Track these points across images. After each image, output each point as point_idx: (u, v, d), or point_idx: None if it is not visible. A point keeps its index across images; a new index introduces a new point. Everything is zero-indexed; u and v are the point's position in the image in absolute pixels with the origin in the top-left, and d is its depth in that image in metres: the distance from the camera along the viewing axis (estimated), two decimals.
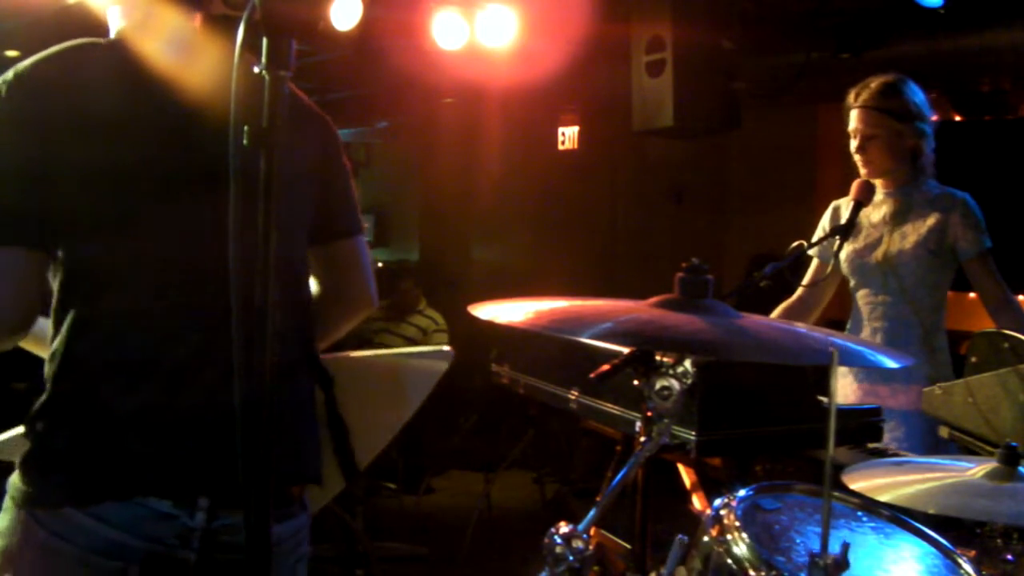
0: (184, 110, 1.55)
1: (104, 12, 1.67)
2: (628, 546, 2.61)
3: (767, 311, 3.22)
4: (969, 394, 2.25)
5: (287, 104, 1.06)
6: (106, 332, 1.55)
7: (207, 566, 1.56)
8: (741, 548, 1.44)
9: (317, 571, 2.45)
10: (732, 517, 1.49)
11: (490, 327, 1.57)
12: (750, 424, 2.28)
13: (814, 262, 3.24)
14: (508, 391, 2.93)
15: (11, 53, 6.14)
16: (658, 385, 1.49)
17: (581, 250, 8.40)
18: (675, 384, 1.49)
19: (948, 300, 3.10)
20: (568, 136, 8.19)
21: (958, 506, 1.52)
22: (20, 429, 1.61)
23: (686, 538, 1.51)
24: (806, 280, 3.20)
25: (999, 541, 1.67)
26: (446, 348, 2.02)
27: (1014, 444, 1.56)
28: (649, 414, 1.51)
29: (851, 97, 3.07)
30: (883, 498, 1.55)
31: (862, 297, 3.12)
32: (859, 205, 2.82)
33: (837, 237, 2.81)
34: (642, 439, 1.52)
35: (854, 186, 2.87)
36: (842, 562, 1.23)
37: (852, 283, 3.15)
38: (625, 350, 1.55)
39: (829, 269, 3.00)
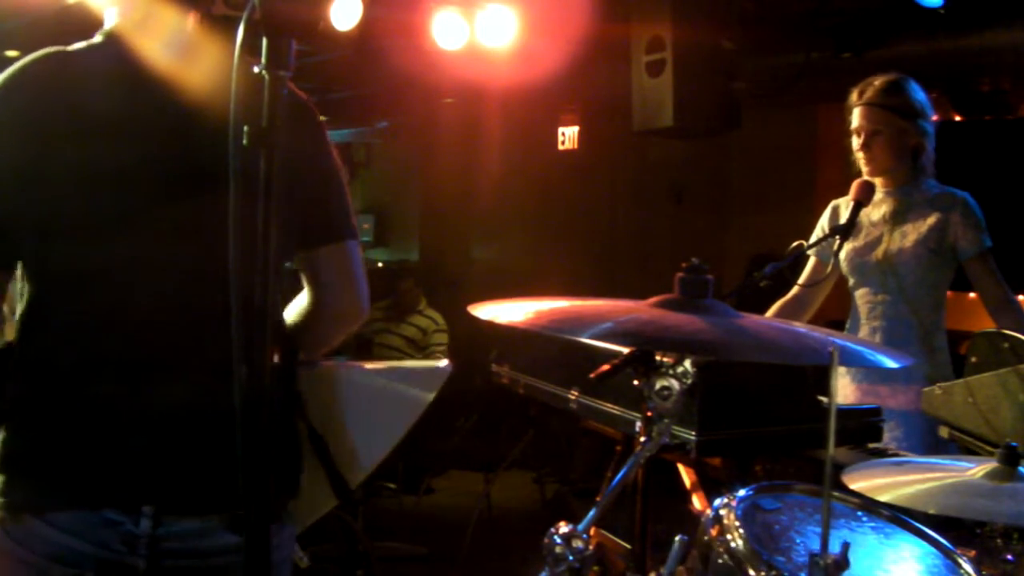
0: (183, 110, 1.54)
1: (103, 12, 1.67)
2: (628, 546, 2.61)
3: (766, 311, 3.22)
4: (969, 394, 2.24)
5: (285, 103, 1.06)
6: (58, 334, 1.54)
7: (157, 573, 1.55)
8: (741, 548, 1.44)
9: (317, 571, 2.45)
10: (732, 517, 1.49)
11: (490, 327, 1.57)
12: (750, 424, 2.28)
13: (812, 261, 3.24)
14: (508, 391, 2.93)
15: (11, 53, 6.14)
16: (658, 385, 1.49)
17: (581, 250, 8.40)
18: (675, 384, 1.49)
19: (948, 300, 3.10)
20: (568, 136, 8.19)
21: (958, 506, 1.52)
22: None
23: (686, 538, 1.51)
24: (803, 279, 3.19)
25: (999, 541, 1.67)
26: (444, 363, 1.93)
27: (1014, 444, 1.56)
28: (649, 414, 1.51)
29: (854, 95, 3.07)
30: (883, 498, 1.55)
31: (861, 296, 3.12)
32: (859, 205, 2.82)
33: (837, 237, 2.81)
34: (642, 439, 1.52)
35: (854, 186, 2.87)
36: (842, 562, 1.23)
37: (851, 282, 3.15)
38: (625, 350, 1.55)
39: (828, 269, 3.00)
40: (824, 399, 2.34)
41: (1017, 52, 4.94)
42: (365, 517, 4.87)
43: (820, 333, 1.58)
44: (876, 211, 3.09)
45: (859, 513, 1.62)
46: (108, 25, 1.64)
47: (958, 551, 1.55)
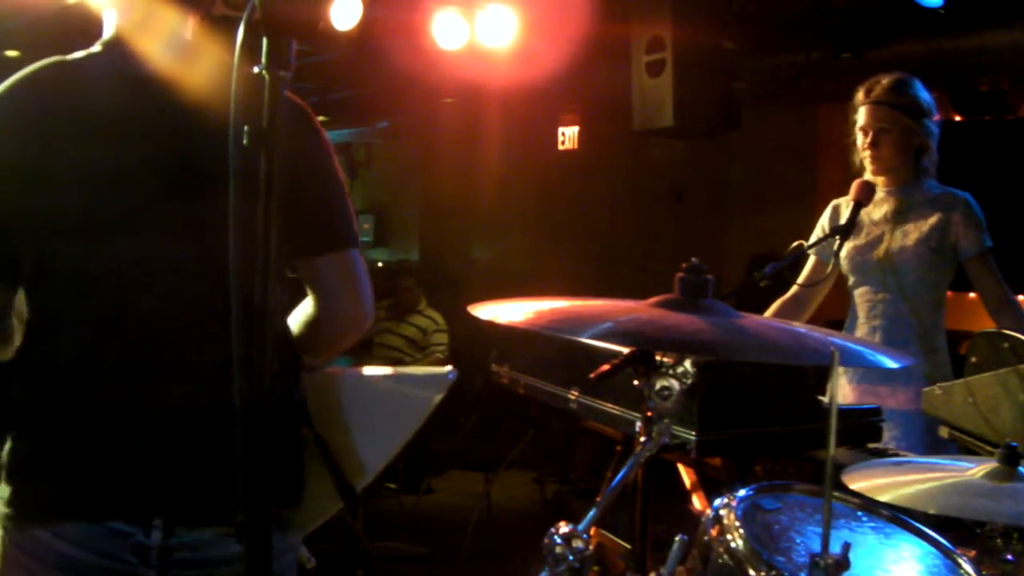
0: (184, 110, 1.54)
1: (103, 12, 1.67)
2: (628, 546, 2.61)
3: (765, 311, 3.22)
4: (969, 394, 2.24)
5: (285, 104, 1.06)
6: (65, 339, 1.54)
7: None
8: (741, 548, 1.44)
9: (317, 571, 2.44)
10: (732, 517, 1.49)
11: (490, 327, 1.57)
12: (750, 424, 2.28)
13: (811, 261, 3.24)
14: (508, 391, 2.93)
15: (11, 53, 6.14)
16: (658, 385, 1.49)
17: (581, 250, 8.40)
18: (675, 384, 1.49)
19: (948, 300, 3.11)
20: (568, 136, 8.19)
21: (958, 506, 1.52)
22: None
23: (686, 538, 1.51)
24: (803, 279, 3.19)
25: (999, 541, 1.67)
26: (448, 369, 1.91)
27: (1014, 444, 1.56)
28: (649, 414, 1.51)
29: (861, 94, 3.07)
30: (883, 498, 1.55)
31: (861, 295, 3.12)
32: (859, 205, 2.82)
33: (837, 237, 2.81)
34: (642, 439, 1.52)
35: (854, 186, 2.87)
36: (843, 562, 1.23)
37: (851, 281, 3.15)
38: (625, 350, 1.55)
39: (829, 268, 3.00)
40: (824, 399, 2.35)
41: (1017, 52, 4.94)
42: (365, 517, 4.87)
43: (820, 333, 1.58)
44: (877, 210, 3.09)
45: (859, 513, 1.62)
46: (109, 30, 1.64)
47: (958, 551, 1.55)
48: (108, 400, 1.53)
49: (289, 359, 1.71)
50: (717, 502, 1.56)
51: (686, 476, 2.67)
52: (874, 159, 3.04)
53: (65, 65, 1.57)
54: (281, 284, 1.72)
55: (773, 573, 1.39)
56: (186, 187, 1.56)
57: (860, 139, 3.06)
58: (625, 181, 8.40)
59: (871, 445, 2.49)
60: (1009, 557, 1.66)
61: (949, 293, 3.10)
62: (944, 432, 2.37)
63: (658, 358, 1.51)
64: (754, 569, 1.40)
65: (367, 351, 6.33)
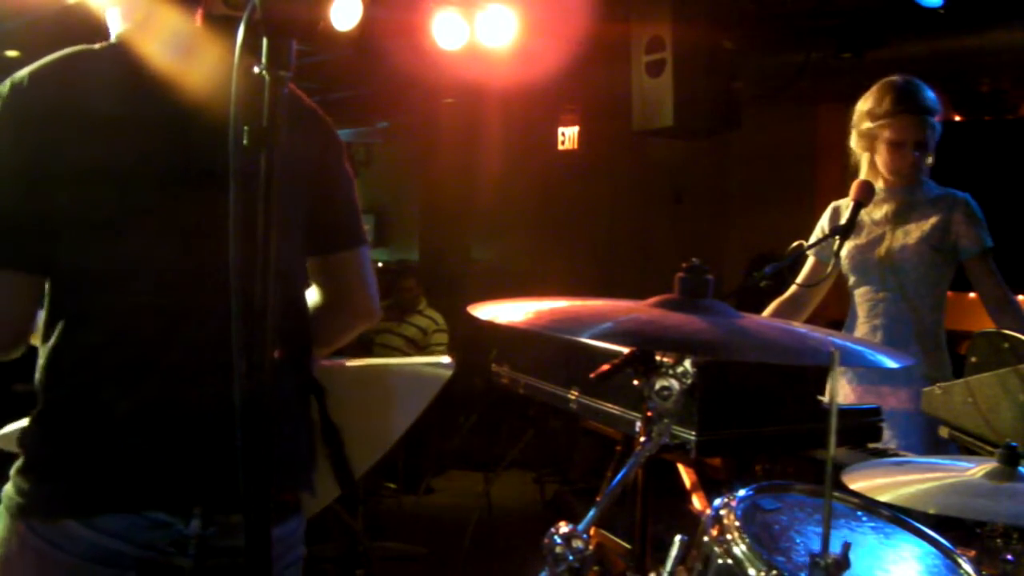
0: (184, 110, 1.54)
1: (104, 12, 1.67)
2: (628, 546, 2.61)
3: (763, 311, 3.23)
4: (969, 394, 2.25)
5: (287, 104, 1.06)
6: (101, 334, 1.54)
7: (202, 572, 1.56)
8: (741, 548, 1.44)
9: (317, 571, 2.45)
10: (732, 517, 1.49)
11: (490, 327, 1.57)
12: (750, 424, 2.28)
13: (811, 261, 3.24)
14: (508, 391, 2.93)
15: (11, 53, 6.15)
16: (658, 385, 1.49)
17: (581, 250, 8.40)
18: (675, 384, 1.49)
19: (948, 300, 3.11)
20: (568, 136, 8.19)
21: (958, 506, 1.52)
22: (24, 422, 1.61)
23: (686, 538, 1.51)
24: (802, 279, 3.19)
25: (999, 541, 1.67)
26: (447, 359, 1.97)
27: (1014, 444, 1.56)
28: (649, 414, 1.51)
29: (890, 103, 3.00)
30: (883, 498, 1.55)
31: (861, 294, 3.12)
32: (859, 205, 2.82)
33: (837, 237, 2.81)
34: (642, 439, 1.52)
35: (854, 186, 2.87)
36: (843, 562, 1.23)
37: (851, 280, 3.16)
38: (625, 350, 1.55)
39: (829, 268, 3.00)
40: (824, 399, 2.35)
41: (1017, 52, 4.95)
42: (365, 517, 4.87)
43: (820, 333, 1.58)
44: (878, 210, 3.09)
45: (859, 513, 1.62)
46: (111, 30, 1.65)
47: (958, 551, 1.55)
48: (148, 397, 1.53)
49: (301, 345, 1.74)
50: (717, 502, 1.56)
51: (686, 476, 2.67)
52: (914, 166, 3.02)
53: (67, 63, 1.57)
54: (304, 276, 1.77)
55: (773, 573, 1.39)
56: (187, 186, 1.56)
57: (892, 151, 3.02)
58: (625, 181, 8.40)
59: (871, 445, 2.49)
60: (1009, 557, 1.66)
61: (949, 293, 3.10)
62: (944, 432, 2.38)
63: (658, 358, 1.51)
64: (754, 569, 1.40)
65: (367, 351, 6.33)
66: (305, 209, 1.69)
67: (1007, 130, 6.16)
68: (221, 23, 1.58)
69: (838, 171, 3.35)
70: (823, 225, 3.19)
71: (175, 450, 1.54)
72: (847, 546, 1.24)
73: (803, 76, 5.27)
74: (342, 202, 1.80)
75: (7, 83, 1.54)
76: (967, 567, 1.51)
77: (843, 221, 2.83)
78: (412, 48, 5.41)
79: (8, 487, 1.56)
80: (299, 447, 1.70)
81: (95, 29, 1.66)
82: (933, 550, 1.55)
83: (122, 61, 1.58)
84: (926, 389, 2.40)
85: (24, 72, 1.55)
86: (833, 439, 1.18)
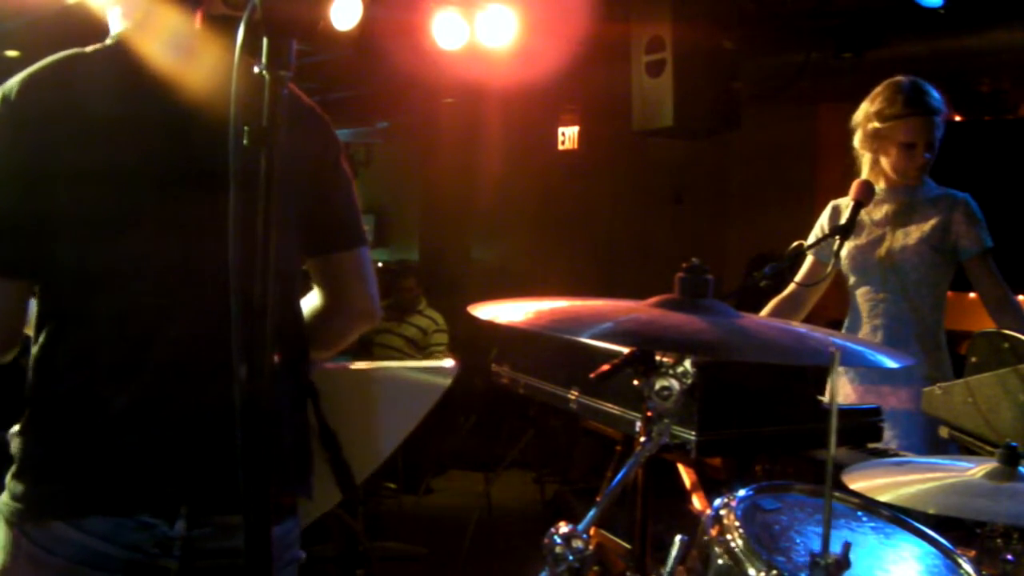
0: (184, 110, 1.54)
1: (104, 12, 1.67)
2: (628, 546, 2.61)
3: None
4: (969, 394, 2.25)
5: (286, 104, 1.06)
6: (96, 332, 1.54)
7: (190, 573, 1.55)
8: (741, 548, 1.44)
9: (317, 571, 2.45)
10: (732, 517, 1.49)
11: (490, 327, 1.57)
12: (750, 424, 2.28)
13: (809, 260, 3.24)
14: (508, 391, 2.93)
15: (11, 53, 6.15)
16: (658, 385, 1.49)
17: (581, 250, 8.40)
18: (675, 384, 1.49)
19: (948, 300, 3.11)
20: (568, 136, 8.19)
21: (958, 506, 1.52)
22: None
23: (686, 538, 1.51)
24: (801, 279, 3.19)
25: (999, 541, 1.67)
26: (449, 363, 1.96)
27: (1014, 444, 1.56)
28: (649, 414, 1.51)
29: (900, 105, 3.01)
30: (883, 498, 1.55)
31: (862, 295, 3.12)
32: (859, 205, 2.82)
33: (837, 237, 2.81)
34: (642, 439, 1.52)
35: (854, 186, 2.86)
36: (843, 562, 1.23)
37: (852, 280, 3.16)
38: (625, 350, 1.55)
39: (829, 268, 3.00)
40: (824, 399, 2.35)
41: (1017, 52, 4.95)
42: (365, 517, 4.87)
43: (820, 333, 1.58)
44: (878, 210, 3.09)
45: (859, 513, 1.62)
46: (111, 30, 1.64)
47: (958, 551, 1.55)
48: (132, 399, 1.53)
49: (296, 348, 1.73)
50: (717, 502, 1.56)
51: (686, 476, 2.67)
52: (923, 169, 3.03)
53: (67, 63, 1.57)
54: (298, 278, 1.76)
55: (773, 573, 1.39)
56: (187, 186, 1.56)
57: (902, 152, 3.02)
58: (625, 181, 8.41)
59: (871, 445, 2.49)
60: (1009, 557, 1.66)
61: (949, 293, 3.10)
62: (944, 432, 2.38)
63: (658, 358, 1.51)
64: (754, 569, 1.40)
65: (367, 351, 6.33)
66: (302, 209, 1.67)
67: (1007, 130, 6.16)
68: (221, 23, 1.57)
69: (838, 171, 3.35)
70: (823, 224, 3.19)
71: (161, 450, 1.54)
72: (847, 546, 1.24)
73: (803, 76, 5.27)
74: (340, 202, 1.78)
75: (7, 85, 1.54)
76: (967, 567, 1.51)
77: (843, 221, 2.83)
78: (412, 48, 5.41)
79: (4, 495, 1.56)
80: (295, 450, 1.70)
81: (95, 29, 1.66)
82: (933, 550, 1.55)
83: (121, 61, 1.58)
84: (926, 389, 2.41)
85: (15, 80, 1.55)
86: (833, 439, 1.18)
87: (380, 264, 8.49)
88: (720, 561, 1.45)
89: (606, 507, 1.51)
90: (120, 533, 1.51)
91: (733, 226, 8.22)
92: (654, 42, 4.81)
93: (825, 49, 5.32)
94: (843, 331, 3.15)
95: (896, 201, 3.08)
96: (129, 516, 1.51)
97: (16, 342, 1.60)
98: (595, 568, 1.79)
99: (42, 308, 1.57)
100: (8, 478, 1.57)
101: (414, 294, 6.68)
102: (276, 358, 1.06)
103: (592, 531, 1.44)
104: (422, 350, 6.55)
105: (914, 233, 3.02)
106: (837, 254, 2.84)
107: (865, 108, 3.10)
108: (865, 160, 3.12)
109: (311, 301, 1.82)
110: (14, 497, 1.54)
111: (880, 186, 3.02)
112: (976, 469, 1.58)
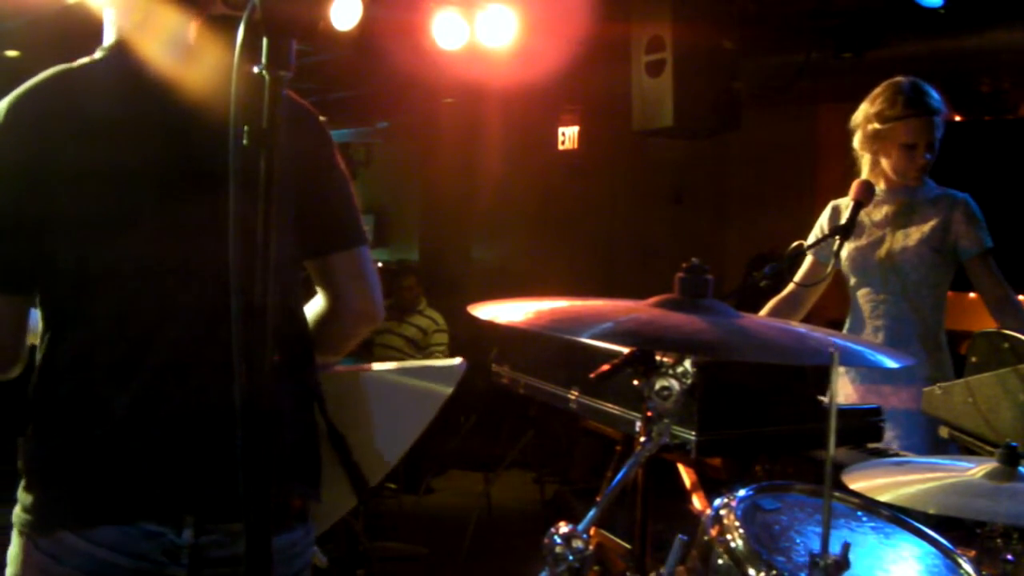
0: (184, 110, 1.54)
1: (103, 12, 1.67)
2: (628, 546, 2.61)
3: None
4: (969, 394, 2.25)
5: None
6: (95, 333, 1.54)
7: None
8: (741, 548, 1.44)
9: (317, 571, 2.45)
10: (732, 517, 1.49)
11: (490, 327, 1.57)
12: (750, 424, 2.28)
13: (809, 260, 3.23)
14: (508, 391, 2.93)
15: (11, 53, 6.15)
16: (658, 385, 1.49)
17: (581, 250, 8.40)
18: (675, 384, 1.49)
19: (948, 300, 3.11)
20: (568, 136, 8.19)
21: (958, 506, 1.52)
22: None
23: (686, 538, 1.51)
24: (800, 279, 3.19)
25: (999, 541, 1.67)
26: (458, 361, 1.95)
27: (1014, 444, 1.56)
28: (649, 414, 1.51)
29: (901, 107, 3.01)
30: (883, 498, 1.55)
31: (863, 296, 3.12)
32: (859, 205, 2.82)
33: (837, 237, 2.81)
34: (642, 439, 1.52)
35: (854, 186, 2.87)
36: (843, 562, 1.23)
37: (852, 281, 3.15)
38: (625, 350, 1.55)
39: (829, 268, 3.00)
40: (824, 399, 2.35)
41: (1017, 52, 4.95)
42: (365, 517, 4.87)
43: (820, 333, 1.58)
44: (878, 211, 3.09)
45: (859, 513, 1.62)
46: (109, 30, 1.64)
47: (958, 551, 1.55)
48: (133, 401, 1.52)
49: (302, 351, 1.73)
50: (717, 502, 1.56)
51: (686, 476, 2.67)
52: (923, 170, 3.03)
53: (67, 71, 1.58)
54: (297, 280, 1.75)
55: (773, 573, 1.39)
56: (188, 187, 1.56)
57: (903, 153, 3.02)
58: (625, 181, 8.41)
59: (871, 445, 2.49)
60: (1009, 557, 1.66)
61: (949, 293, 3.10)
62: (944, 432, 2.37)
63: (658, 358, 1.51)
64: (754, 569, 1.40)
65: (367, 351, 6.33)
66: (298, 210, 1.66)
67: (1007, 130, 6.16)
68: (221, 23, 1.57)
69: (838, 171, 3.35)
70: (822, 224, 3.18)
71: (163, 453, 1.53)
72: (847, 546, 1.24)
73: (803, 76, 5.27)
74: (337, 201, 1.76)
75: (9, 97, 1.54)
76: (967, 567, 1.51)
77: (843, 221, 2.83)
78: (412, 48, 5.41)
79: (17, 507, 1.57)
80: (300, 452, 1.69)
81: (95, 29, 1.66)
82: (933, 550, 1.56)
83: (120, 62, 1.58)
84: (926, 389, 2.41)
85: (25, 86, 1.55)
86: (833, 439, 1.18)
87: (380, 264, 8.49)
88: (720, 561, 1.45)
89: (606, 507, 1.51)
90: (127, 542, 1.50)
91: (733, 226, 8.22)
92: (654, 42, 4.81)
93: (825, 49, 5.31)
94: (845, 332, 3.15)
95: (896, 202, 3.08)
96: (134, 524, 1.51)
97: (17, 358, 1.61)
98: (595, 568, 1.79)
99: (44, 313, 1.57)
100: (20, 490, 1.57)
101: (414, 294, 6.68)
102: (276, 358, 1.06)
103: (592, 531, 1.44)
104: (422, 350, 6.55)
105: (914, 234, 3.02)
106: (837, 254, 2.84)
107: (865, 109, 3.09)
108: (865, 161, 3.12)
109: (315, 304, 1.81)
110: (24, 508, 1.55)
111: (880, 187, 3.02)
112: (976, 469, 1.58)
